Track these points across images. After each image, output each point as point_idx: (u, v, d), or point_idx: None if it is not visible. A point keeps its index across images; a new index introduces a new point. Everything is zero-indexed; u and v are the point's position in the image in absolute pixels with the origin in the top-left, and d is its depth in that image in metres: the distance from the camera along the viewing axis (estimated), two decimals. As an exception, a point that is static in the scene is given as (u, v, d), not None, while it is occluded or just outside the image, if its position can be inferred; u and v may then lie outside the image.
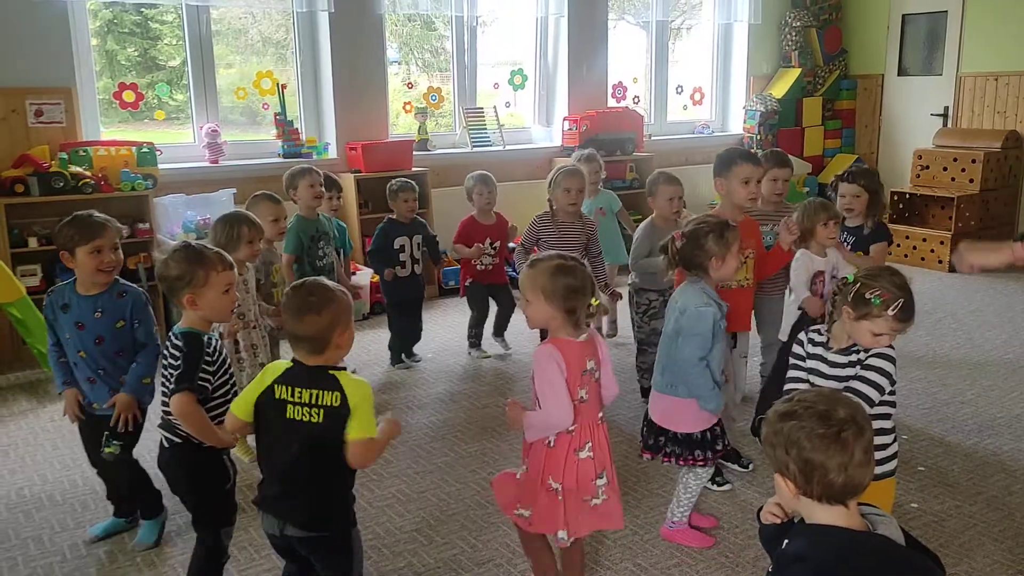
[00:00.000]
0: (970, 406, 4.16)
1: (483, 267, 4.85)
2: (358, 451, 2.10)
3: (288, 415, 2.13)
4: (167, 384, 2.39)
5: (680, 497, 2.92)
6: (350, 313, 2.19)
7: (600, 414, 2.46)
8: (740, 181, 3.36)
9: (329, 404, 2.10)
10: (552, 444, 2.39)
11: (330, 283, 2.23)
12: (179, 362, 2.37)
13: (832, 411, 1.51)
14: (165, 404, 2.42)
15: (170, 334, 2.47)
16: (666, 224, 4.11)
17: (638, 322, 4.22)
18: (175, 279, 2.43)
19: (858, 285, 2.32)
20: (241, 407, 2.20)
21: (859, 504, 1.54)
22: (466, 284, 4.98)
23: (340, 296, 2.18)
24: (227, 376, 2.50)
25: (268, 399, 2.15)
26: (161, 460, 2.54)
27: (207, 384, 2.41)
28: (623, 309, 4.67)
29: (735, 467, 3.45)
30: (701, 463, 2.82)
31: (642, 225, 4.20)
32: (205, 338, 2.43)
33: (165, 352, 2.47)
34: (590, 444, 2.39)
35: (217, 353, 2.46)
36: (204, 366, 2.40)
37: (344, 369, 2.18)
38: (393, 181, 4.87)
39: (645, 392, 4.24)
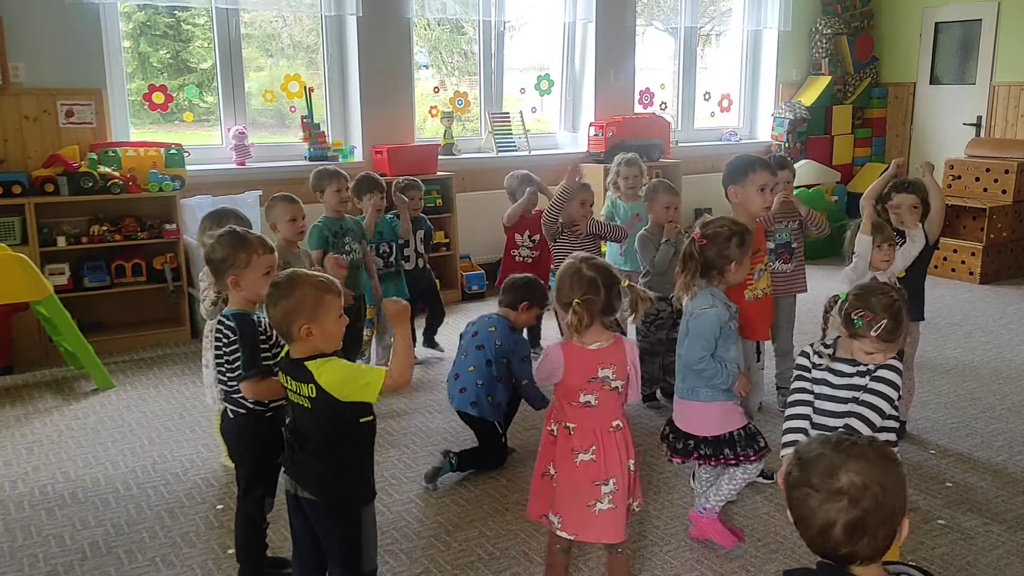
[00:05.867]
0: (1000, 421, 4.08)
1: (522, 259, 4.89)
2: (386, 389, 2.12)
3: (290, 397, 2.28)
4: (224, 364, 2.56)
5: (721, 486, 2.89)
6: (317, 309, 2.15)
7: (615, 423, 2.46)
8: (757, 189, 3.29)
9: (308, 395, 2.17)
10: (555, 434, 2.48)
11: (307, 276, 2.20)
12: (236, 346, 2.50)
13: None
14: (222, 378, 2.61)
15: (221, 317, 2.59)
16: (661, 232, 4.15)
17: (643, 331, 4.20)
18: (220, 261, 2.57)
19: (847, 304, 2.32)
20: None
21: (888, 564, 1.45)
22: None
23: (303, 291, 2.15)
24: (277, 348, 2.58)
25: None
26: (224, 428, 2.71)
27: (271, 362, 2.51)
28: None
29: (759, 480, 3.40)
30: (734, 462, 2.81)
31: (639, 236, 4.23)
32: (255, 317, 2.55)
33: (218, 333, 2.58)
34: (594, 448, 2.42)
35: (267, 328, 2.56)
36: (262, 344, 2.51)
37: (328, 356, 2.17)
38: (399, 179, 5.00)
39: (646, 399, 4.28)
